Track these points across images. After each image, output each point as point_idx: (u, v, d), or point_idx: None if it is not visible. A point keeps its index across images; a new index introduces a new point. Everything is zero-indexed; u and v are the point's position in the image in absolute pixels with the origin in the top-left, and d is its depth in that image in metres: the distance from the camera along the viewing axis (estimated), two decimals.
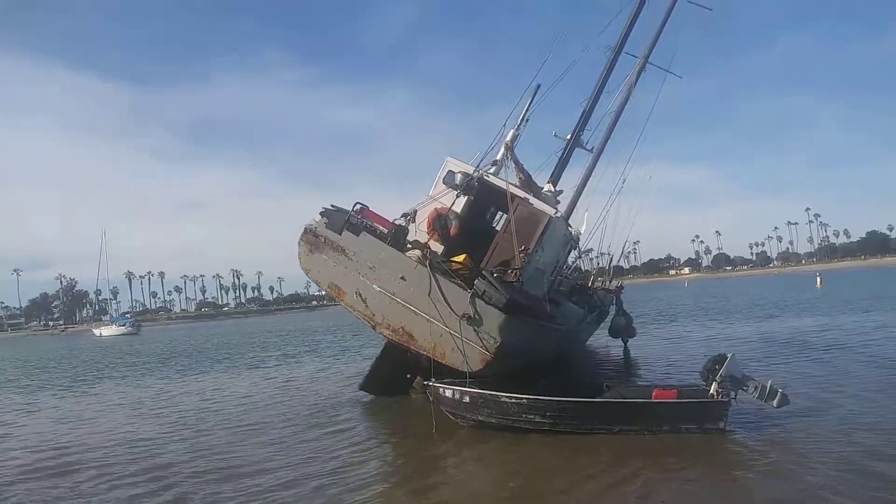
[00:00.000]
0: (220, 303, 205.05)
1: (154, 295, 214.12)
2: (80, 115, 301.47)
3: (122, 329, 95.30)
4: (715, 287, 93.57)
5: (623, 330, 21.55)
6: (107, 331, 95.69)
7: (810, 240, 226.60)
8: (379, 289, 11.98)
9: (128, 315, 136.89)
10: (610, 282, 27.01)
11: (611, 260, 28.60)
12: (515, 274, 13.60)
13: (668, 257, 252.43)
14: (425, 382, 11.26)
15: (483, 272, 11.69)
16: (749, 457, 8.84)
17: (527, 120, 15.72)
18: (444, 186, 14.74)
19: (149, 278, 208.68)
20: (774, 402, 9.95)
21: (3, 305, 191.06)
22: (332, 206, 12.93)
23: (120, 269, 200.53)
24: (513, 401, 10.35)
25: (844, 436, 9.17)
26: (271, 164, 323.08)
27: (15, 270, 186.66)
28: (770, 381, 10.22)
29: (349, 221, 12.27)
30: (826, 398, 11.54)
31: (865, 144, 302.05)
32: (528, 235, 14.30)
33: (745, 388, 10.05)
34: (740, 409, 10.50)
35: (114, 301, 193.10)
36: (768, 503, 7.14)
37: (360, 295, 12.23)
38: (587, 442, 9.75)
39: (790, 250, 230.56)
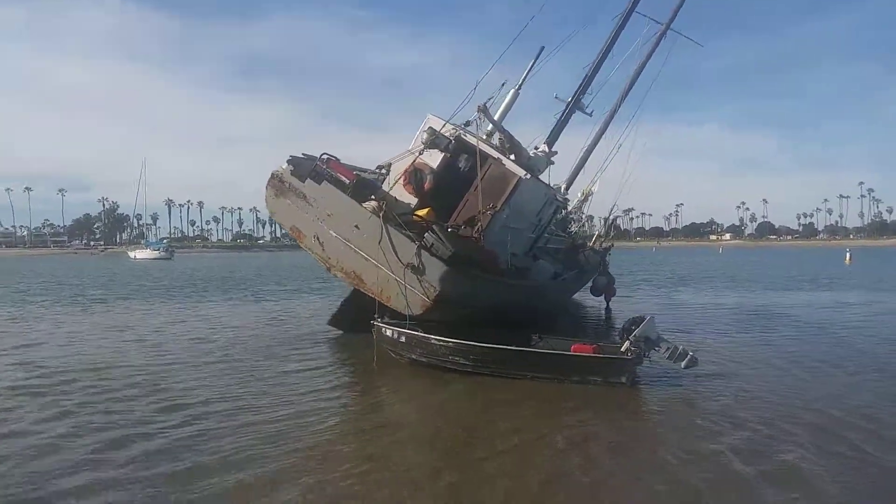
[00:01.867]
0: (256, 235, 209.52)
1: (192, 223, 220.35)
2: (129, 43, 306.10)
3: (156, 253, 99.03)
4: (748, 255, 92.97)
5: (604, 289, 22.30)
6: (141, 254, 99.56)
7: (861, 215, 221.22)
8: (335, 234, 12.96)
9: (164, 240, 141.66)
10: (602, 243, 27.60)
11: (613, 221, 29.12)
12: (478, 230, 14.49)
13: (711, 222, 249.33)
14: (372, 322, 12.25)
15: (433, 226, 12.53)
16: (640, 407, 9.85)
17: (511, 85, 16.29)
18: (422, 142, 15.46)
19: (188, 207, 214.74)
20: (683, 364, 10.79)
21: (49, 223, 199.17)
22: (302, 154, 13.83)
23: (161, 196, 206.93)
24: (441, 343, 11.34)
25: (730, 398, 9.96)
26: (316, 102, 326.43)
27: (60, 190, 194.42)
28: (682, 345, 11.08)
29: (314, 170, 13.19)
30: (736, 366, 12.32)
31: None
32: (498, 194, 15.06)
33: (657, 348, 10.88)
34: (655, 366, 11.42)
35: (153, 226, 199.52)
36: (642, 446, 8.06)
37: (318, 239, 13.24)
38: (502, 385, 10.66)
39: (839, 224, 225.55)
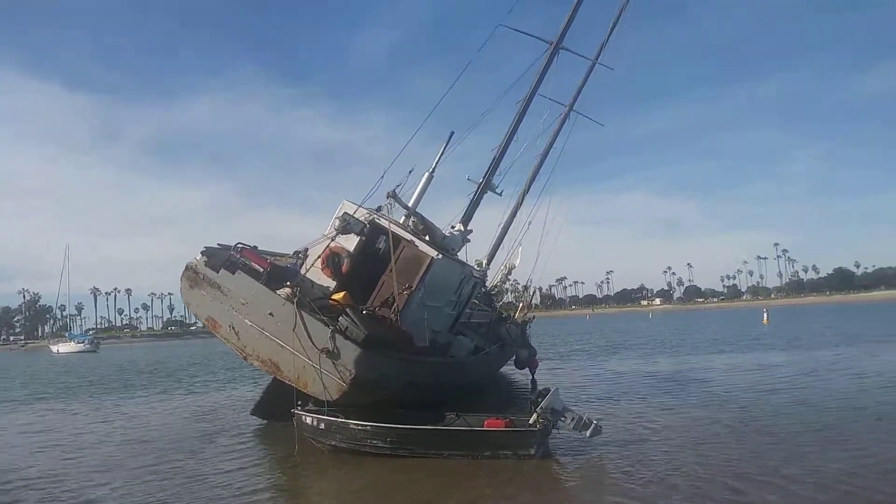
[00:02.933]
0: (188, 321, 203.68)
1: (120, 312, 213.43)
2: (46, 126, 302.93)
3: (80, 346, 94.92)
4: (677, 320, 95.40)
5: (525, 362, 22.84)
6: (64, 348, 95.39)
7: (780, 274, 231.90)
8: (250, 323, 13.14)
9: (89, 332, 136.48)
10: (525, 314, 28.36)
11: (534, 293, 30.05)
12: (395, 310, 14.93)
13: (641, 287, 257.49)
14: (292, 411, 12.37)
15: (347, 309, 12.87)
16: (545, 477, 10.22)
17: (418, 172, 17.18)
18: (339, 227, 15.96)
19: (115, 295, 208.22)
20: (588, 433, 11.25)
21: None
22: (218, 244, 14.13)
23: (87, 284, 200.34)
24: (359, 427, 11.54)
25: (639, 464, 10.41)
26: (243, 180, 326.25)
27: None
28: (587, 414, 11.59)
29: (228, 260, 13.46)
30: (646, 432, 12.88)
31: (839, 181, 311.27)
32: (412, 275, 15.63)
33: (563, 419, 11.33)
34: (563, 437, 11.88)
35: (78, 317, 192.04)
36: None
37: (233, 328, 13.39)
38: (419, 465, 10.88)
39: (760, 284, 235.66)
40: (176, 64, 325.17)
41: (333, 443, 11.86)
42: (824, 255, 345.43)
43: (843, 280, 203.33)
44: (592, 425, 11.22)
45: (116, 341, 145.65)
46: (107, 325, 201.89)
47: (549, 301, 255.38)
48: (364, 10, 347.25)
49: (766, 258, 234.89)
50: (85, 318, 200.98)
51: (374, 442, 11.43)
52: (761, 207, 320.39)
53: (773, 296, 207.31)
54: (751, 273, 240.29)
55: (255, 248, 14.67)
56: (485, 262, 27.24)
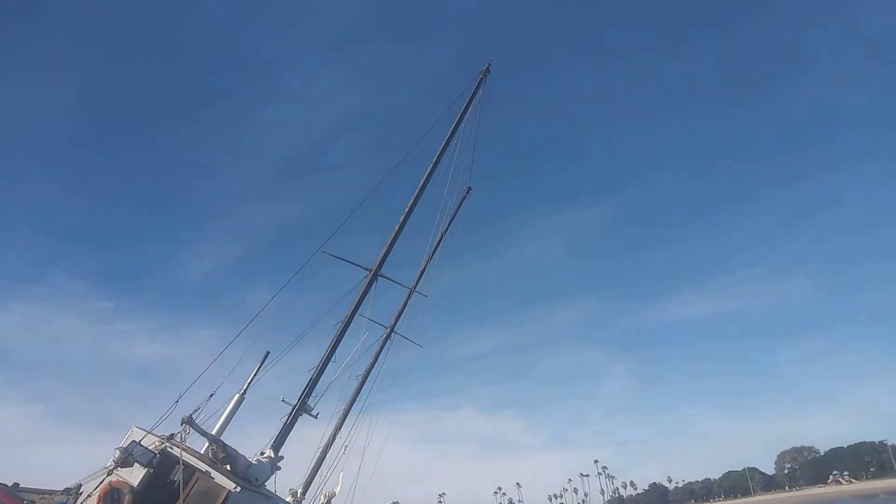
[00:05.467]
0: None
1: None
2: None
3: None
4: None
5: None
6: None
7: (602, 491, 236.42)
8: None
9: None
10: None
11: None
12: None
13: None
14: None
15: None
16: None
17: (216, 397, 16.26)
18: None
19: None
20: None
21: None
22: None
23: None
24: None
25: None
26: (52, 398, 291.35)
27: None
28: None
29: None
30: None
31: (646, 399, 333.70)
32: None
33: None
34: None
35: None
36: None
37: None
38: None
39: (585, 502, 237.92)
40: None
41: None
42: (640, 470, 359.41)
43: (658, 495, 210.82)
44: None
45: None
46: None
47: None
48: (202, 227, 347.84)
49: (588, 475, 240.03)
50: None
51: None
52: (582, 424, 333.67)
53: None
54: (576, 490, 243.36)
55: (16, 485, 12.75)
56: (299, 490, 25.52)
